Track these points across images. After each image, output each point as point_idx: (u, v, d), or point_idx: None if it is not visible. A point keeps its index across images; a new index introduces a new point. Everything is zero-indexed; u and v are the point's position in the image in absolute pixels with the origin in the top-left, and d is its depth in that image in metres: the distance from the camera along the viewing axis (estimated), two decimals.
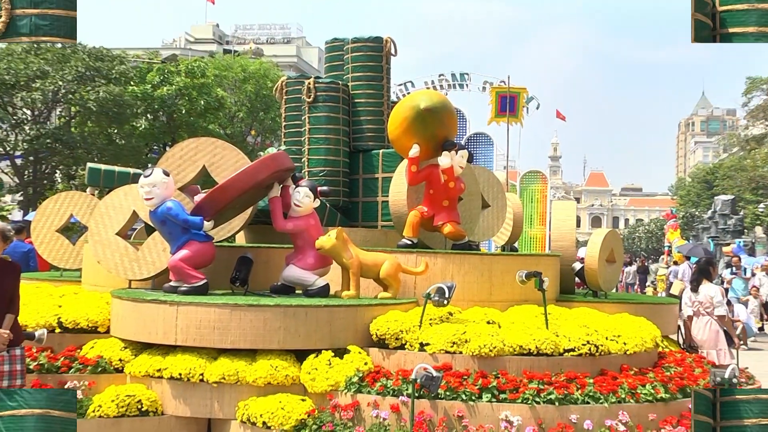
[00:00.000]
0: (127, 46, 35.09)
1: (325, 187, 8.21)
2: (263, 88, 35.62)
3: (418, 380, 5.20)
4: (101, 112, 25.94)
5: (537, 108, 27.06)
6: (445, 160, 7.28)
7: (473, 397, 5.46)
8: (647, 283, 25.88)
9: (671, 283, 17.22)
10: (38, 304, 7.01)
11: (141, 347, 6.40)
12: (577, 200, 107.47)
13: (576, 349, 5.96)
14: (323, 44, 10.51)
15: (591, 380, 5.73)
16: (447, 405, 5.46)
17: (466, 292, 7.00)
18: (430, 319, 6.28)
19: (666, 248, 27.31)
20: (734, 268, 17.46)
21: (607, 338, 6.23)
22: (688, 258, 18.39)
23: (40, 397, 4.61)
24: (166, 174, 6.65)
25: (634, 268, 27.13)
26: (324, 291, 6.70)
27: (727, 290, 15.42)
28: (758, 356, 12.71)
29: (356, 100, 9.45)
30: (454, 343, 5.89)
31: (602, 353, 6.06)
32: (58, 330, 6.65)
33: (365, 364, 5.92)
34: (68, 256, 9.18)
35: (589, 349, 5.99)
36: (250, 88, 35.87)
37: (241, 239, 8.99)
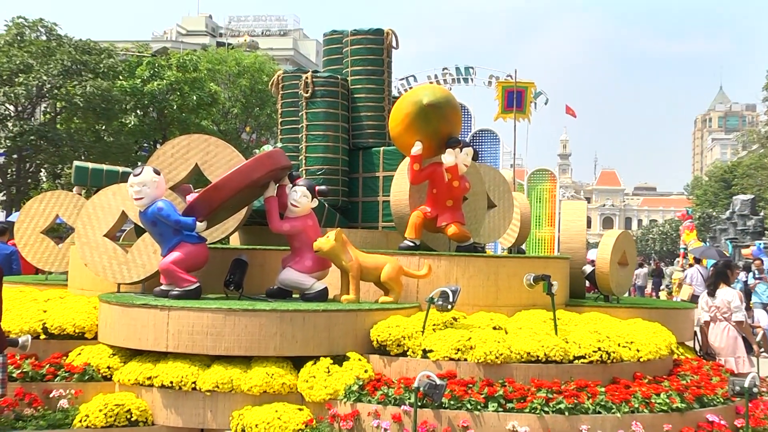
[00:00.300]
0: (116, 39, 34.97)
1: (323, 187, 8.19)
2: (258, 82, 35.66)
3: (421, 389, 5.16)
4: (88, 108, 25.75)
5: (545, 103, 27.12)
6: (448, 158, 7.22)
7: (479, 407, 5.39)
8: (661, 287, 25.74)
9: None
10: (22, 309, 6.91)
11: (130, 354, 6.31)
12: (588, 200, 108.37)
13: (587, 356, 5.88)
14: (321, 37, 10.55)
15: (602, 389, 5.64)
16: (451, 414, 5.36)
17: (471, 297, 6.93)
18: (434, 325, 6.20)
19: (681, 250, 27.09)
20: (757, 272, 17.24)
21: (619, 345, 6.15)
22: (698, 261, 18.26)
23: None
24: (157, 173, 6.58)
25: (645, 270, 26.78)
26: (322, 295, 6.66)
27: (749, 295, 15.20)
28: None
29: (356, 96, 9.45)
30: (458, 349, 5.83)
31: (614, 360, 5.97)
32: (43, 336, 6.56)
33: (365, 371, 5.85)
34: (54, 259, 9.05)
35: (601, 356, 5.90)
36: (244, 82, 35.89)
37: (235, 241, 8.95)
